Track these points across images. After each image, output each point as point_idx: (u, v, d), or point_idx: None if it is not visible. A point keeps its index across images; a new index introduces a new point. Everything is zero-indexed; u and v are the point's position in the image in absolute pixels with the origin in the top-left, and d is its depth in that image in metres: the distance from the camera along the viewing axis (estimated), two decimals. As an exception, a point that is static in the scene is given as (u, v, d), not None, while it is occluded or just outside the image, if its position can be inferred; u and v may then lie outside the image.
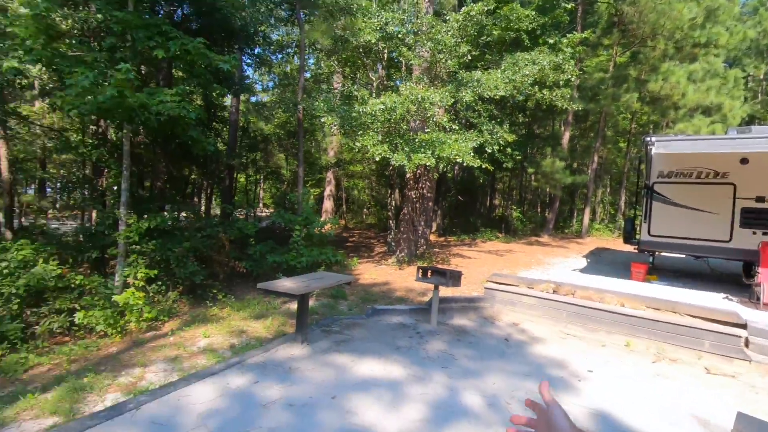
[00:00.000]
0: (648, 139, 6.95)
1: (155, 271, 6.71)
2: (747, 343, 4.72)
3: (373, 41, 10.18)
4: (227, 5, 8.20)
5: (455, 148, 8.72)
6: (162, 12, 8.51)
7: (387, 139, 9.50)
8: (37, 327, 5.73)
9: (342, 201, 25.01)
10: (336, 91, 13.47)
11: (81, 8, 7.23)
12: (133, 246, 6.81)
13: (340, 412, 3.32)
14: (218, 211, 13.87)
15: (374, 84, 12.70)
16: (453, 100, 9.56)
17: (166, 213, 7.84)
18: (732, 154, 7.40)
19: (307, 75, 16.17)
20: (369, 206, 26.54)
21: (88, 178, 10.48)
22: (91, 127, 9.64)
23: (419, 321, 5.91)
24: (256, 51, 12.93)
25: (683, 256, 9.75)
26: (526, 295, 6.27)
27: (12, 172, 10.74)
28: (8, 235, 9.67)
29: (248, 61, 14.24)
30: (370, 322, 5.84)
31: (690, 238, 7.99)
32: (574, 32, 13.73)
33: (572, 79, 12.65)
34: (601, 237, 20.19)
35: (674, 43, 16.38)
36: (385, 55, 12.95)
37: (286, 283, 4.72)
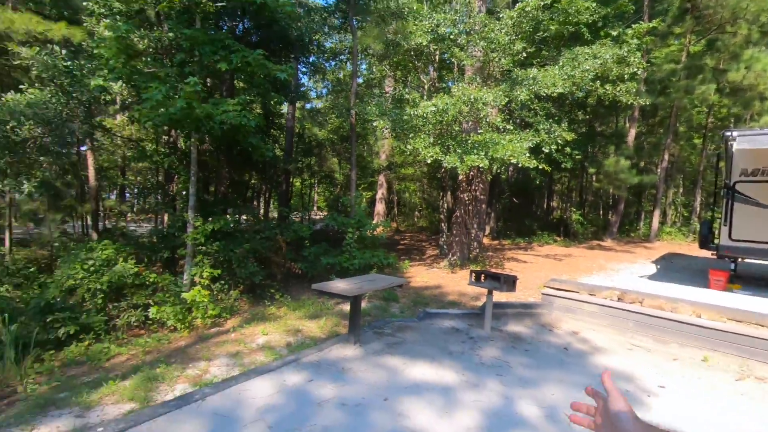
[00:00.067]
0: (729, 133, 6.32)
1: (219, 271, 7.14)
2: None
3: (424, 44, 10.16)
4: (284, 17, 8.56)
5: (509, 149, 8.46)
6: (225, 27, 9.05)
7: (439, 141, 9.42)
8: (117, 320, 6.29)
9: (393, 204, 25.15)
10: (387, 95, 13.59)
11: (155, 28, 7.88)
12: (200, 247, 7.29)
13: (392, 414, 3.32)
14: (276, 214, 14.49)
15: (425, 86, 12.66)
16: (507, 99, 9.29)
17: (228, 216, 8.30)
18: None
19: (360, 80, 16.47)
20: (420, 209, 26.45)
21: (161, 184, 11.39)
22: (164, 137, 10.46)
23: (472, 326, 5.78)
24: (310, 59, 13.36)
25: (772, 263, 8.75)
26: (588, 303, 5.93)
27: (97, 180, 11.93)
28: (94, 236, 10.73)
29: (303, 69, 14.75)
30: (421, 325, 5.81)
31: (780, 244, 7.16)
32: (641, 22, 12.84)
33: (638, 72, 11.82)
34: (672, 241, 18.63)
35: (759, 27, 14.81)
36: (437, 57, 12.88)
37: (339, 285, 4.82)
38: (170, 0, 6.81)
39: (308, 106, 21.48)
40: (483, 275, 5.52)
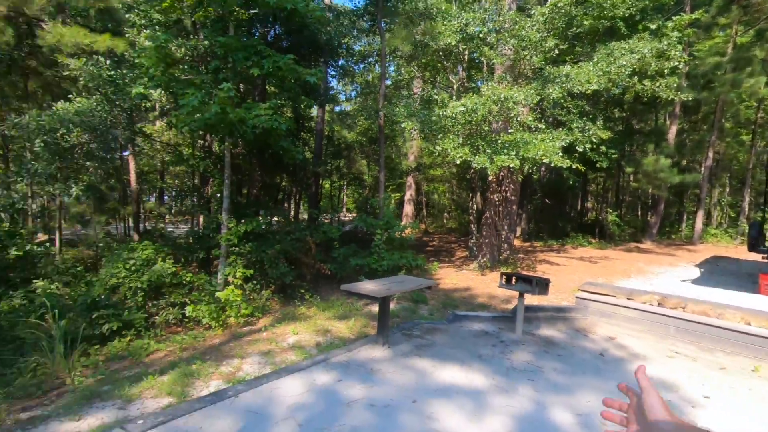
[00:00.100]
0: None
1: (251, 271, 7.32)
2: None
3: (453, 43, 10.08)
4: (314, 22, 8.70)
5: (541, 148, 8.26)
6: (257, 33, 9.30)
7: (468, 142, 9.31)
8: (156, 317, 6.57)
9: (422, 205, 25.05)
10: (416, 96, 13.56)
11: (191, 37, 8.20)
12: (233, 248, 7.50)
13: (420, 416, 3.30)
14: (306, 216, 14.72)
15: (454, 86, 12.55)
16: (539, 97, 9.08)
17: (260, 218, 8.51)
18: None
19: (388, 82, 16.52)
20: (449, 210, 26.22)
21: (196, 187, 11.81)
22: (200, 141, 10.85)
23: (503, 329, 5.67)
24: (339, 63, 13.53)
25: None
26: (626, 307, 5.70)
27: (138, 183, 12.50)
28: (135, 237, 11.25)
29: (332, 72, 14.95)
30: (451, 327, 5.75)
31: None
32: (682, 14, 12.25)
33: (680, 67, 11.29)
34: (718, 244, 17.64)
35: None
36: (466, 57, 12.74)
37: (368, 286, 4.84)
38: (205, 9, 7.07)
39: (337, 109, 21.73)
40: (514, 277, 5.41)
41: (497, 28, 10.09)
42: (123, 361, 5.11)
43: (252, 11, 7.45)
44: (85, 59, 8.50)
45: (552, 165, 8.57)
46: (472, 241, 12.70)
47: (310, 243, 9.18)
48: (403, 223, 10.24)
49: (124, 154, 12.35)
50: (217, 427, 3.06)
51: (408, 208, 21.06)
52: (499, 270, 9.70)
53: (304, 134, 13.64)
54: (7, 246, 8.22)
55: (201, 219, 10.99)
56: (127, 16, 8.52)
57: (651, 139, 18.10)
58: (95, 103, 8.68)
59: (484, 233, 11.16)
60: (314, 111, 14.30)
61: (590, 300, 6.07)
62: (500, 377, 4.08)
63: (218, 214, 8.31)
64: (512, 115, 9.17)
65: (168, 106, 11.09)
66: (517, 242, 15.60)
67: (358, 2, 18.15)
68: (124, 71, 8.80)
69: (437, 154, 10.01)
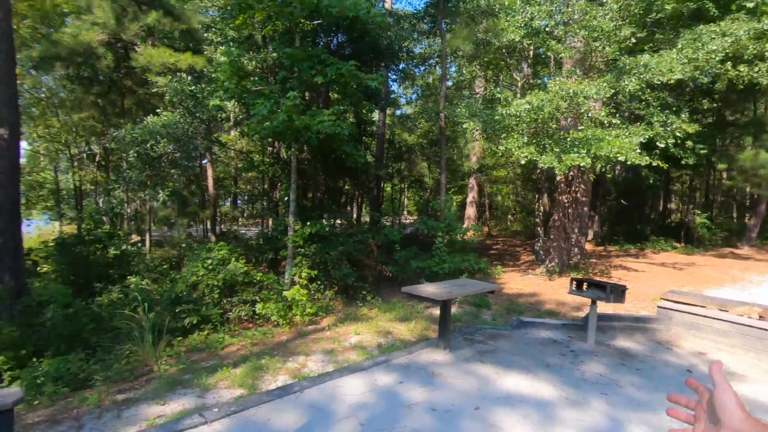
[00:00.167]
0: None
1: (315, 272, 7.59)
2: None
3: (517, 39, 9.72)
4: (375, 28, 8.86)
5: (616, 145, 7.68)
6: (321, 43, 9.66)
7: (534, 141, 8.92)
8: (230, 313, 7.03)
9: (485, 207, 24.40)
10: (478, 95, 13.27)
11: (261, 50, 8.72)
12: (299, 249, 7.83)
13: (483, 424, 3.21)
14: (368, 219, 14.98)
15: (519, 84, 12.10)
16: (612, 91, 8.46)
17: (324, 220, 8.81)
18: None
19: (449, 83, 16.33)
20: (514, 212, 25.28)
21: (266, 191, 12.52)
22: (268, 148, 11.49)
23: (573, 338, 5.34)
24: (400, 66, 13.63)
25: None
26: (718, 319, 5.11)
27: (215, 189, 13.51)
28: (212, 238, 12.16)
29: (393, 76, 15.10)
30: (515, 334, 5.53)
31: None
32: (787, -12, 10.76)
33: (784, 48, 9.93)
34: (837, 250, 15.20)
35: None
36: (531, 53, 12.23)
37: (428, 288, 4.81)
38: (274, 24, 7.48)
39: (398, 112, 21.91)
40: (585, 283, 5.08)
41: (565, 20, 9.57)
42: (201, 352, 5.53)
43: (316, 22, 7.75)
44: (170, 77, 9.38)
45: (628, 163, 7.94)
46: (539, 244, 12.13)
47: (371, 245, 9.33)
48: (464, 226, 10.06)
49: (203, 162, 13.43)
50: (283, 420, 3.20)
51: (470, 211, 20.62)
52: (569, 275, 9.15)
53: (365, 138, 13.90)
54: (107, 246, 9.29)
55: (270, 221, 11.61)
56: (205, 35, 9.27)
57: (748, 132, 16.07)
58: (178, 116, 9.54)
59: (551, 236, 10.61)
60: (376, 115, 14.53)
61: (674, 310, 5.52)
62: (570, 389, 3.84)
63: (285, 216, 8.72)
64: (582, 110, 8.64)
65: (241, 116, 11.88)
66: (588, 246, 14.63)
67: (419, 5, 18.18)
68: (203, 86, 9.58)
69: (500, 154, 9.72)
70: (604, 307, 6.10)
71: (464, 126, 9.40)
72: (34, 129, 16.15)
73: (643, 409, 3.48)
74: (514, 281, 9.56)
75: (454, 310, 6.56)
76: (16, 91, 7.48)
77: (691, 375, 4.26)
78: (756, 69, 9.39)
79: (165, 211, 14.69)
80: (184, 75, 9.62)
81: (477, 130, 9.68)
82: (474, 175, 20.22)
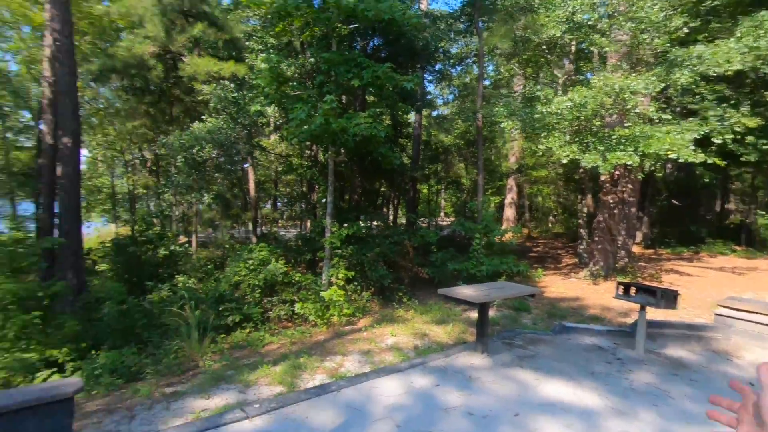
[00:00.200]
0: None
1: (352, 273, 7.67)
2: None
3: (558, 35, 9.41)
4: (411, 29, 8.85)
5: (667, 142, 7.25)
6: (358, 47, 9.77)
7: (576, 139, 8.59)
8: (270, 312, 7.24)
9: (524, 209, 23.74)
10: (516, 94, 12.96)
11: (299, 56, 8.94)
12: (336, 250, 7.94)
13: (522, 431, 3.11)
14: (404, 220, 14.97)
15: (560, 81, 11.70)
16: (663, 85, 8.00)
17: (361, 222, 8.89)
18: None
19: (486, 82, 16.06)
20: (555, 214, 24.43)
21: (304, 193, 12.79)
22: (306, 151, 11.73)
23: (619, 345, 5.09)
24: (436, 67, 13.55)
25: None
26: (784, 329, 4.70)
27: (256, 192, 13.95)
28: (254, 239, 12.56)
29: (429, 78, 15.03)
30: (557, 339, 5.33)
31: None
32: None
33: None
34: None
35: None
36: (573, 48, 11.80)
37: (465, 291, 4.73)
38: (311, 29, 7.65)
39: (434, 113, 21.76)
40: (633, 288, 4.82)
41: (610, 13, 9.16)
42: (243, 350, 5.72)
43: (352, 26, 7.84)
44: (214, 85, 9.80)
45: (681, 161, 7.47)
46: (582, 247, 11.66)
47: (408, 247, 9.31)
48: (503, 228, 9.83)
49: (245, 166, 13.92)
50: (321, 418, 3.25)
51: (509, 212, 20.14)
52: (615, 279, 8.73)
53: (401, 140, 13.91)
54: (157, 246, 9.82)
55: (308, 223, 11.86)
56: (247, 43, 9.61)
57: (819, 125, 14.70)
58: (222, 122, 9.95)
59: (596, 239, 10.17)
60: (412, 117, 14.51)
61: (735, 318, 5.14)
62: (616, 398, 3.66)
63: (323, 218, 8.87)
64: (629, 106, 8.23)
65: (280, 121, 12.22)
66: (636, 249, 13.89)
67: (455, 4, 18.00)
68: (245, 92, 9.94)
69: (541, 153, 9.44)
70: (654, 314, 5.76)
71: (502, 125, 9.20)
72: (93, 137, 17.34)
73: (698, 423, 3.26)
74: (556, 285, 9.24)
75: (492, 313, 6.42)
76: (77, 102, 8.07)
77: (753, 389, 3.95)
78: (828, 56, 8.56)
79: (210, 214, 15.35)
80: (227, 82, 10.02)
81: (516, 130, 9.44)
82: (513, 175, 19.75)
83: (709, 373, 4.31)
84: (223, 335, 6.20)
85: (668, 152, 7.33)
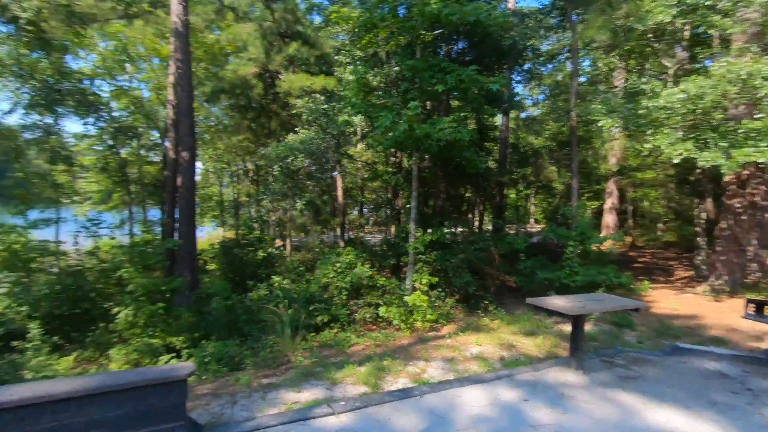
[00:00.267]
0: None
1: (436, 279, 7.61)
2: None
3: (667, 20, 8.42)
4: (497, 29, 8.59)
5: (813, 135, 6.07)
6: (442, 52, 9.75)
7: (691, 135, 7.59)
8: (355, 314, 7.47)
9: (627, 214, 21.51)
10: (617, 89, 11.86)
11: (384, 65, 9.19)
12: (420, 255, 7.95)
13: (625, 460, 2.80)
14: (490, 227, 14.49)
15: (670, 71, 10.46)
16: (807, 66, 6.73)
17: (444, 228, 8.80)
18: None
19: (581, 79, 14.95)
20: (665, 220, 21.74)
21: (389, 199, 13.05)
22: (391, 158, 11.98)
23: (750, 374, 4.34)
24: (525, 67, 12.97)
25: None
26: None
27: (344, 198, 14.57)
28: (341, 244, 13.11)
29: (518, 78, 14.45)
30: (668, 361, 4.73)
31: None
32: None
33: None
34: None
35: None
36: (686, 33, 10.48)
37: (558, 301, 4.42)
38: (396, 39, 7.82)
39: (523, 115, 20.85)
40: (768, 307, 4.10)
41: (734, -11, 7.96)
42: (330, 349, 5.97)
43: (437, 32, 7.86)
44: (306, 98, 10.48)
45: (834, 156, 6.19)
46: (700, 258, 10.21)
47: (494, 254, 9.00)
48: (602, 235, 9.02)
49: (334, 174, 14.62)
50: (403, 421, 3.26)
51: (609, 218, 18.42)
52: (743, 296, 7.49)
53: (487, 144, 13.54)
54: (257, 249, 10.72)
55: (393, 229, 12.06)
56: (336, 57, 10.14)
57: None
58: (313, 133, 10.59)
59: (719, 249, 8.84)
60: (498, 119, 14.05)
61: None
62: (746, 435, 3.12)
63: (407, 224, 8.95)
64: (761, 94, 7.05)
65: (366, 129, 12.65)
66: (773, 262, 11.78)
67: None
68: (334, 104, 10.48)
69: (647, 153, 8.51)
70: (799, 339, 4.83)
71: (600, 124, 8.47)
72: (205, 151, 19.59)
73: None
74: (666, 300, 8.21)
75: (588, 327, 5.91)
76: (194, 121, 9.20)
77: None
78: None
79: (302, 219, 16.36)
80: (318, 95, 10.67)
81: (616, 128, 8.64)
82: (613, 178, 18.03)
83: None
84: (312, 334, 6.55)
85: (816, 146, 6.13)
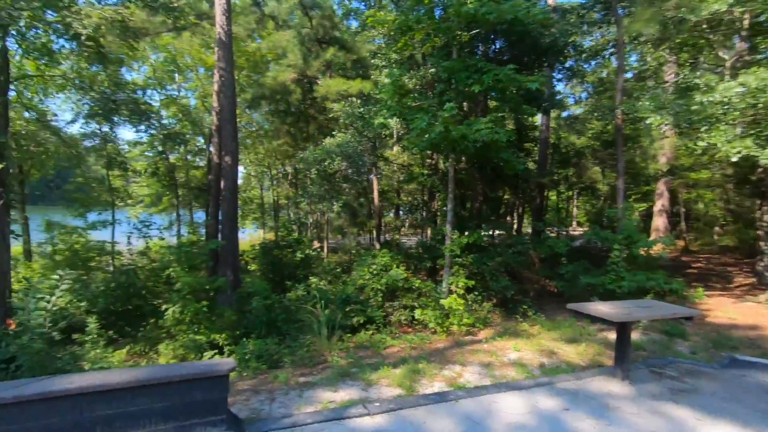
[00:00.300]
0: None
1: (473, 282, 7.49)
2: None
3: (723, 9, 7.89)
4: (536, 27, 8.36)
5: None
6: (479, 52, 9.60)
7: (751, 132, 7.06)
8: (391, 317, 7.48)
9: (680, 217, 20.25)
10: (667, 84, 11.23)
11: (420, 67, 9.17)
12: (456, 258, 7.85)
13: (676, 478, 2.63)
14: (529, 230, 14.10)
15: (727, 64, 9.77)
16: None
17: (482, 230, 8.64)
18: None
19: (627, 75, 14.26)
20: (723, 223, 20.28)
21: (425, 202, 12.99)
22: (427, 160, 11.92)
23: (822, 391, 3.97)
24: (566, 64, 12.53)
25: None
26: None
27: (380, 201, 14.65)
28: (377, 246, 13.18)
29: (559, 76, 13.98)
30: (726, 374, 4.40)
31: None
32: None
33: None
34: None
35: None
36: (746, 22, 9.76)
37: (602, 308, 4.23)
38: (432, 40, 7.79)
39: (565, 114, 20.16)
40: (842, 318, 3.72)
41: (801, -27, 7.36)
42: (366, 350, 6.01)
43: (473, 32, 7.75)
44: (343, 102, 10.64)
45: None
46: (763, 263, 9.45)
47: (533, 257, 8.74)
48: (651, 239, 8.55)
49: (370, 176, 14.74)
50: (438, 425, 3.23)
51: (659, 221, 17.43)
52: (814, 306, 6.88)
53: (527, 144, 13.19)
54: (295, 250, 10.98)
55: (429, 231, 11.99)
56: (372, 61, 10.23)
57: None
58: (350, 136, 10.73)
59: (783, 254, 8.15)
60: (538, 119, 13.66)
61: None
62: (817, 458, 2.85)
63: (443, 226, 8.87)
64: (833, 86, 6.45)
65: (402, 132, 12.67)
66: None
67: (588, -6, 16.49)
68: (370, 107, 10.57)
69: (701, 152, 7.98)
70: None
71: (648, 121, 8.05)
72: (247, 156, 20.32)
73: None
74: (724, 308, 7.65)
75: (635, 336, 5.61)
76: (236, 127, 9.55)
77: None
78: None
79: (339, 221, 16.60)
80: (354, 99, 10.80)
81: (666, 125, 8.18)
82: (663, 179, 17.03)
83: None
84: (348, 334, 6.61)
85: None
